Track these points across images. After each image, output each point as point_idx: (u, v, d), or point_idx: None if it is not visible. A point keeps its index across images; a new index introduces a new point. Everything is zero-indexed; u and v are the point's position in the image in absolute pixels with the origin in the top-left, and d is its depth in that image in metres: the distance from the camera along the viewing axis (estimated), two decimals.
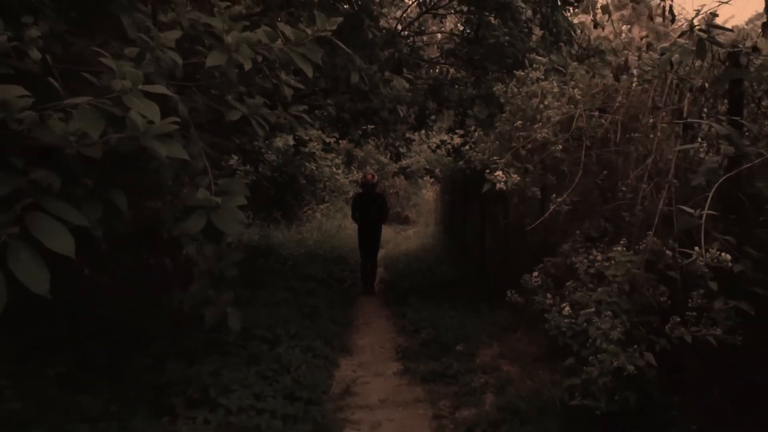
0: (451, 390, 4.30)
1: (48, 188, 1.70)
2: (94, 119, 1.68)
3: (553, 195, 3.35)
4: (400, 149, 10.26)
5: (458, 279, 8.05)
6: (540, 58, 4.35)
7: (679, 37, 2.70)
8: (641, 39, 3.25)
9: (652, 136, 3.15)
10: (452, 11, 7.77)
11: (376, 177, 8.93)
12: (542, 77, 4.25)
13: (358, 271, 8.72)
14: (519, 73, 4.51)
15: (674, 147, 2.80)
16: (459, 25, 7.77)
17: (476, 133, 6.99)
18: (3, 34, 2.07)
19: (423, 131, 9.23)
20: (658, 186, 2.94)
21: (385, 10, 5.82)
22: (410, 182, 16.92)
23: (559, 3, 6.54)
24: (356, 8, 5.24)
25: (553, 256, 3.48)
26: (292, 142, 11.05)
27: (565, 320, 2.84)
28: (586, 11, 2.82)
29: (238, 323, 3.15)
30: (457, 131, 8.24)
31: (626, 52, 3.13)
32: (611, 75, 3.38)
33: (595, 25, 2.89)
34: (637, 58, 2.91)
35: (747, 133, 2.63)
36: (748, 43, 2.64)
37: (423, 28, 8.30)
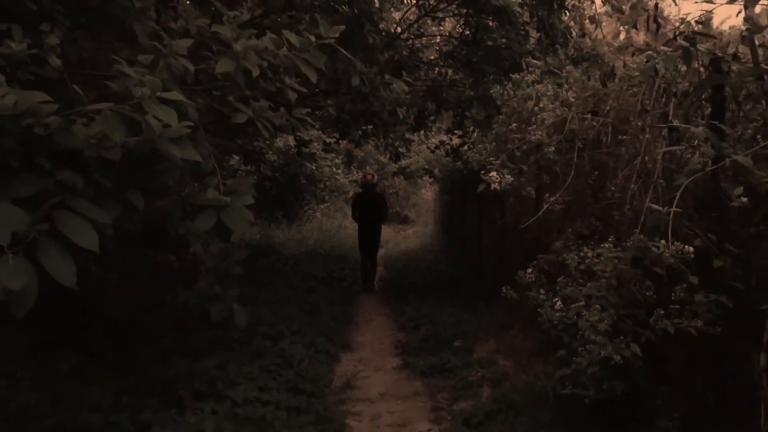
0: (449, 383, 4.44)
1: (72, 188, 1.84)
2: (116, 124, 1.82)
3: (546, 194, 3.49)
4: (400, 149, 10.40)
5: (456, 278, 8.18)
6: (535, 61, 4.48)
7: (665, 44, 2.84)
8: (642, 41, 3.37)
9: (641, 138, 3.30)
10: (451, 14, 7.90)
11: (375, 177, 9.06)
12: (538, 79, 4.39)
13: (358, 269, 8.85)
14: (515, 76, 4.65)
15: (660, 149, 2.93)
16: (458, 27, 7.91)
17: (474, 134, 7.14)
18: (23, 42, 2.21)
19: (422, 132, 9.38)
20: (645, 186, 3.08)
21: (385, 15, 5.95)
22: (409, 182, 17.06)
23: (555, 6, 6.68)
24: (356, 12, 5.38)
25: (546, 253, 3.62)
26: (292, 142, 11.19)
27: (557, 314, 2.98)
28: (574, 20, 2.93)
29: (244, 319, 3.29)
30: (455, 132, 8.38)
31: (617, 57, 3.26)
32: (611, 74, 3.51)
33: (583, 35, 3.02)
34: (623, 66, 3.04)
35: (728, 136, 2.76)
36: (731, 49, 2.77)
37: (422, 30, 8.44)
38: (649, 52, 2.76)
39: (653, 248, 2.19)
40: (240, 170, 10.43)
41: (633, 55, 3.46)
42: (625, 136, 3.28)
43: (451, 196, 11.32)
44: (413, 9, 8.03)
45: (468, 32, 7.35)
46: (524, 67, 5.80)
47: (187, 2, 4.12)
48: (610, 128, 3.60)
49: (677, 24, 2.91)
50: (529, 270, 3.50)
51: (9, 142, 1.82)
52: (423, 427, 3.78)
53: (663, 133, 3.02)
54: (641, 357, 2.65)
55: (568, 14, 6.31)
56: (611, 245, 2.80)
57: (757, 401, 2.60)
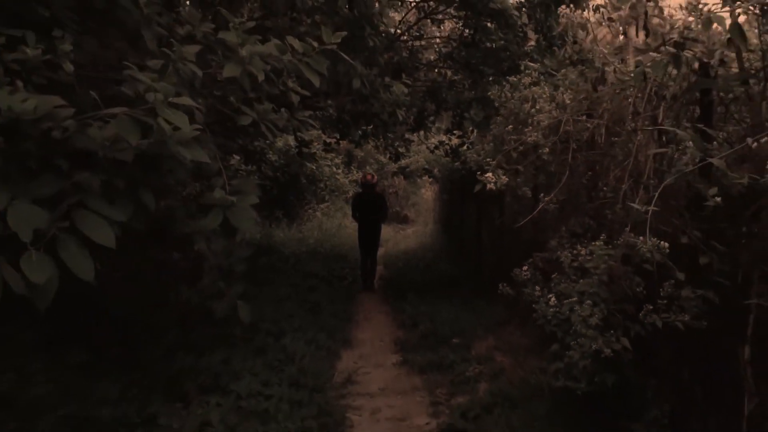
0: (447, 379, 4.55)
1: (89, 188, 1.94)
2: (131, 127, 1.92)
3: (541, 194, 3.59)
4: (400, 149, 10.50)
5: (456, 276, 8.29)
6: (532, 64, 4.59)
7: (655, 49, 2.94)
8: (641, 41, 3.45)
9: (633, 139, 3.40)
10: (450, 16, 8.00)
11: (375, 177, 9.16)
12: (536, 80, 4.48)
13: (358, 268, 8.95)
14: (512, 78, 4.75)
15: (651, 150, 3.04)
16: (457, 29, 8.01)
17: (473, 134, 7.24)
18: (37, 47, 2.31)
19: (422, 132, 9.48)
20: (637, 186, 3.18)
21: (385, 20, 6.06)
22: (409, 182, 17.16)
23: (552, 9, 6.78)
24: (356, 14, 5.48)
25: (542, 251, 3.72)
26: (292, 142, 11.30)
27: (551, 310, 3.08)
28: (565, 29, 3.02)
29: (248, 315, 3.39)
30: (454, 132, 8.49)
31: (610, 60, 3.36)
32: (601, 79, 3.62)
33: (574, 42, 3.12)
34: (613, 71, 3.14)
35: (717, 137, 2.87)
36: (718, 54, 2.87)
37: (422, 32, 8.55)
38: (639, 58, 2.86)
39: (634, 244, 2.29)
40: (241, 170, 10.52)
41: (632, 55, 3.57)
42: (617, 138, 3.38)
43: (450, 196, 11.42)
44: (413, 11, 8.14)
45: (467, 34, 7.46)
46: (522, 68, 5.91)
47: (188, 3, 4.23)
48: (604, 130, 3.70)
49: (673, 25, 2.99)
50: (525, 267, 3.60)
51: (29, 144, 1.92)
52: (421, 420, 3.89)
53: (653, 135, 3.12)
54: (631, 351, 2.75)
55: (560, 21, 6.42)
56: (602, 243, 2.90)
57: (742, 393, 2.70)
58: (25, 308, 3.19)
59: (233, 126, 3.40)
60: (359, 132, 8.36)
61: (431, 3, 7.66)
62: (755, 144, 1.80)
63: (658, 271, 2.81)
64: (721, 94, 2.91)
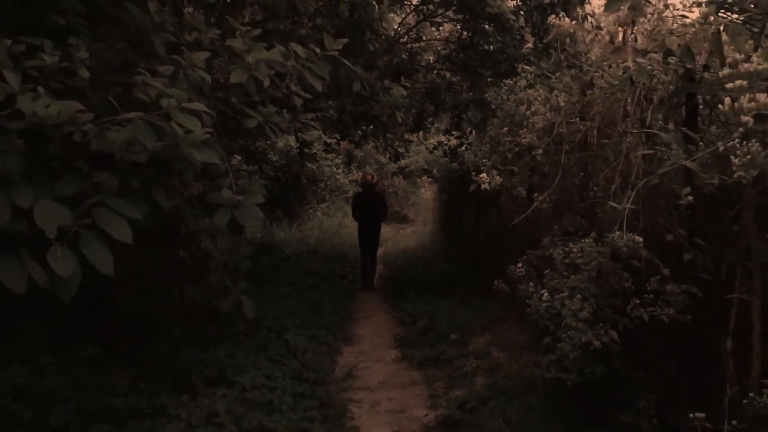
0: (445, 373, 4.68)
1: (108, 188, 2.07)
2: (147, 131, 2.05)
3: (535, 194, 3.73)
4: (399, 150, 10.63)
5: (454, 275, 8.42)
6: (527, 67, 4.72)
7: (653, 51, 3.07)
8: (640, 42, 3.56)
9: (623, 141, 3.53)
10: (448, 19, 8.13)
11: (375, 177, 9.28)
12: (532, 83, 4.62)
13: (358, 267, 9.07)
14: (509, 81, 4.88)
15: (639, 151, 3.17)
16: (455, 32, 8.14)
17: (471, 135, 7.37)
18: (54, 54, 2.45)
19: (421, 132, 9.61)
20: (626, 186, 3.32)
21: (385, 25, 6.19)
22: (409, 182, 17.30)
23: (549, 12, 6.90)
24: (356, 18, 5.61)
25: (536, 249, 3.85)
26: (293, 142, 11.42)
27: (544, 304, 3.22)
28: (555, 39, 3.13)
29: (252, 310, 3.53)
30: (453, 133, 8.62)
31: (598, 64, 3.49)
32: (589, 85, 3.75)
33: (563, 50, 3.24)
34: (601, 76, 3.28)
35: (703, 138, 3.00)
36: (702, 60, 3.01)
37: (421, 34, 8.67)
38: (626, 64, 2.99)
39: (610, 238, 2.43)
40: (242, 170, 10.64)
41: (631, 57, 3.69)
42: (607, 140, 3.52)
43: (449, 196, 11.54)
44: (412, 13, 8.27)
45: (465, 36, 7.58)
46: (519, 71, 6.04)
47: (190, 9, 4.36)
48: (595, 132, 3.84)
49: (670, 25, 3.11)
50: (519, 265, 3.73)
51: (52, 147, 2.05)
52: (420, 412, 4.02)
53: (642, 138, 3.25)
54: (619, 343, 2.89)
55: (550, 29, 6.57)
56: (592, 241, 3.04)
57: (725, 385, 2.84)
58: (39, 305, 3.33)
59: (236, 127, 3.53)
60: (359, 132, 8.49)
61: (430, 6, 7.80)
62: (723, 147, 1.93)
63: (645, 267, 2.95)
64: (707, 97, 3.04)
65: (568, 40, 3.24)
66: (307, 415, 3.61)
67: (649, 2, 3.15)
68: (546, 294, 3.26)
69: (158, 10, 2.95)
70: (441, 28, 8.61)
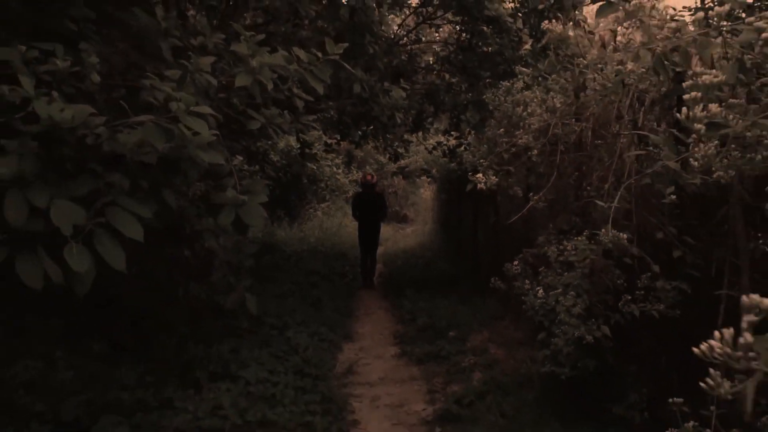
0: (443, 369, 4.78)
1: (120, 188, 2.17)
2: (157, 134, 2.15)
3: (531, 194, 3.82)
4: (399, 150, 10.72)
5: (453, 274, 8.52)
6: (524, 69, 4.81)
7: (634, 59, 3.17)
8: (639, 41, 3.64)
9: (617, 142, 3.63)
10: (447, 21, 8.23)
11: (375, 177, 9.38)
12: (529, 84, 4.71)
13: (358, 266, 9.17)
14: (506, 83, 4.98)
15: (632, 152, 3.27)
16: (454, 34, 8.23)
17: (470, 136, 7.46)
18: (66, 59, 2.54)
19: (420, 133, 9.70)
20: (619, 185, 3.41)
21: (384, 28, 6.29)
22: (408, 182, 17.39)
23: (546, 14, 6.99)
24: (357, 22, 5.70)
25: (531, 247, 3.95)
26: (294, 142, 11.52)
27: (539, 301, 3.32)
28: (550, 43, 3.20)
29: (255, 307, 3.63)
30: (452, 133, 8.71)
31: (591, 68, 3.58)
32: (582, 87, 3.85)
33: (557, 53, 3.34)
34: (593, 79, 3.37)
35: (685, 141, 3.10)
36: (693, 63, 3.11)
37: (420, 36, 8.77)
38: (618, 67, 3.08)
39: (613, 239, 2.53)
40: (244, 170, 10.73)
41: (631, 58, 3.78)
42: (601, 141, 3.61)
43: (448, 196, 11.63)
44: (412, 16, 8.37)
45: (464, 38, 7.68)
46: (516, 73, 6.13)
47: (192, 12, 4.45)
48: (590, 133, 3.94)
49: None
50: (516, 262, 3.83)
51: (67, 149, 2.15)
52: (419, 407, 4.12)
53: (634, 139, 3.35)
54: (611, 338, 2.99)
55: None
56: (585, 239, 3.14)
57: None
58: (51, 303, 3.43)
59: (239, 128, 3.63)
60: (359, 133, 8.58)
61: (429, 8, 7.89)
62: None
63: (637, 264, 3.05)
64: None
65: (561, 44, 3.32)
66: (308, 408, 3.71)
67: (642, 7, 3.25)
68: (541, 291, 3.36)
69: (165, 16, 3.05)
70: (440, 30, 8.70)
